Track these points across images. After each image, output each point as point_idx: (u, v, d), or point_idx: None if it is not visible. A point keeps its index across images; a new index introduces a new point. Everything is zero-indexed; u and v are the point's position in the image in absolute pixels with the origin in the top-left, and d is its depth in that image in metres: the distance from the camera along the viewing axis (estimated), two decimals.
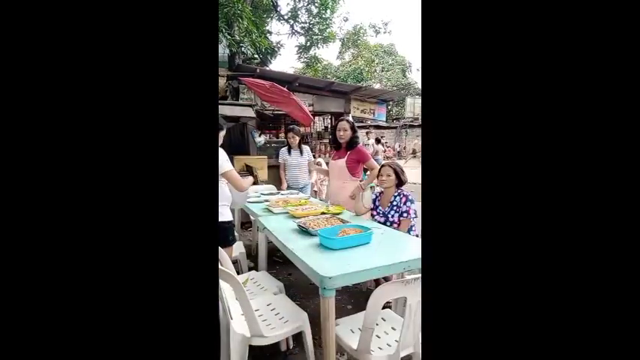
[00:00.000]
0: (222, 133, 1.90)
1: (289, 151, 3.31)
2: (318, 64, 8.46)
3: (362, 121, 5.68)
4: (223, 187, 1.87)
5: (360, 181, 2.51)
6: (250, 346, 1.34)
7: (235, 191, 1.94)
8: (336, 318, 1.32)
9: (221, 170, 1.79)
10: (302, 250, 1.48)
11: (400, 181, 2.13)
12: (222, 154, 1.82)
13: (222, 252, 1.55)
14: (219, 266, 1.32)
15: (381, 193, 2.22)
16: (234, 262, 2.14)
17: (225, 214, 1.88)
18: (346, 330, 1.37)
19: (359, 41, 12.23)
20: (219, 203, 1.82)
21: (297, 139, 3.28)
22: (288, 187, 3.31)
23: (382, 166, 2.20)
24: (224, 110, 4.09)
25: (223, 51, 5.83)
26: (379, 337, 1.36)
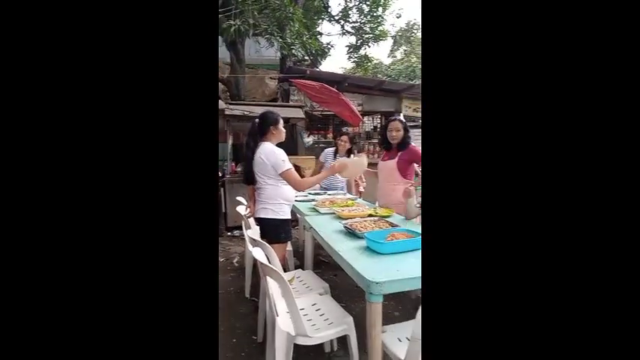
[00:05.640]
0: (280, 126, 1.93)
1: (335, 155, 3.13)
2: (369, 64, 8.32)
3: (414, 121, 5.44)
4: (283, 188, 1.88)
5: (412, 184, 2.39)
6: (295, 345, 1.35)
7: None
8: (383, 324, 1.27)
9: (279, 170, 1.81)
10: (348, 253, 1.45)
11: None
12: (282, 154, 1.84)
13: (269, 248, 1.58)
14: (267, 263, 1.35)
15: None
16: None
17: (284, 212, 1.92)
18: (393, 338, 1.31)
19: (412, 37, 11.77)
20: (279, 201, 1.87)
21: (348, 146, 3.10)
22: (323, 189, 3.18)
23: None
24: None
25: (275, 54, 6.03)
26: None
